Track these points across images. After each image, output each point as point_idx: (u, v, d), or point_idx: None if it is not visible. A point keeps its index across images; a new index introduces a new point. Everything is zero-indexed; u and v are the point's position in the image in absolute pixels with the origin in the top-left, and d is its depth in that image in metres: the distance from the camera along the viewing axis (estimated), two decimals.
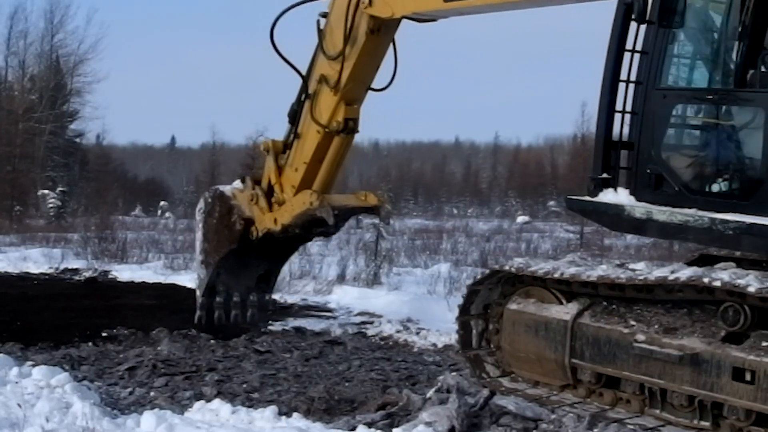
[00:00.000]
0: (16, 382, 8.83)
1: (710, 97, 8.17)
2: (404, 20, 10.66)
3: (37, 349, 11.74)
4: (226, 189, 12.71)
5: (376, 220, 12.12)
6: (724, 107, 8.10)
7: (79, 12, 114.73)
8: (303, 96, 11.67)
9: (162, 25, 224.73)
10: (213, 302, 12.73)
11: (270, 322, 14.31)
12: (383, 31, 10.83)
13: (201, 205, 12.90)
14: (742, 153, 7.99)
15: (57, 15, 63.63)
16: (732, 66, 8.08)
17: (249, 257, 12.71)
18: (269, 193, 12.22)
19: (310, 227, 12.00)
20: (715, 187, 7.95)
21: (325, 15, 11.34)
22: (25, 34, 64.65)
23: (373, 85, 11.48)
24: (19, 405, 7.70)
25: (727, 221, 7.52)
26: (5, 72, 66.18)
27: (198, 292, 12.79)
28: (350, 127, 11.40)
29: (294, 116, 11.87)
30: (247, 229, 12.27)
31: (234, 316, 12.81)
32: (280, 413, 8.35)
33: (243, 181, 12.65)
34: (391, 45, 11.18)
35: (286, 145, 12.14)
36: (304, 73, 11.66)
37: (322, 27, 11.32)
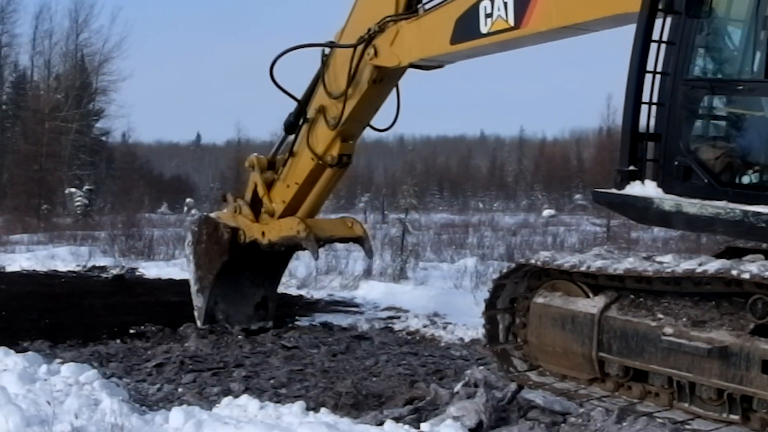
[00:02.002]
0: (45, 380, 8.87)
1: (739, 87, 8.09)
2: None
3: (66, 347, 11.83)
4: (211, 214, 13.31)
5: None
6: (753, 98, 8.01)
7: (104, 11, 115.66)
8: (301, 118, 11.89)
9: (186, 22, 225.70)
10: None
11: (297, 317, 14.37)
12: (386, 81, 11.16)
13: (189, 238, 13.34)
14: None
15: (82, 14, 64.09)
16: (761, 56, 7.99)
17: (243, 284, 13.08)
18: (254, 205, 12.66)
19: (295, 248, 12.63)
20: (745, 179, 7.85)
21: (332, 43, 11.56)
22: (50, 34, 65.20)
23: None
24: (49, 402, 7.74)
25: (760, 213, 7.43)
26: (31, 71, 66.82)
27: (199, 324, 12.97)
28: (344, 162, 11.83)
29: (290, 128, 12.15)
30: (234, 236, 12.62)
31: None
32: (308, 408, 8.34)
33: (224, 200, 13.22)
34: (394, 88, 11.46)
35: (271, 163, 12.61)
36: (303, 90, 11.95)
37: (326, 53, 11.49)
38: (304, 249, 12.42)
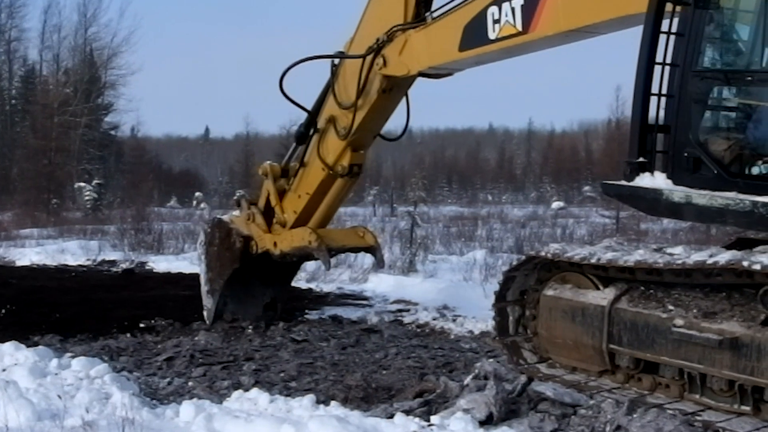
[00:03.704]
0: (56, 374, 8.91)
1: (749, 78, 8.06)
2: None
3: (76, 341, 11.86)
4: (224, 217, 13.29)
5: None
6: (763, 88, 7.98)
7: (112, 5, 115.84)
8: (312, 128, 11.91)
9: (195, 15, 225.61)
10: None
11: (306, 311, 14.38)
12: (395, 90, 11.19)
13: (201, 237, 13.41)
14: None
15: (90, 8, 64.26)
16: None
17: (253, 284, 13.06)
18: (267, 213, 12.65)
19: (307, 258, 12.68)
20: (755, 170, 7.81)
21: (341, 54, 11.57)
22: (59, 28, 65.41)
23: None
24: (60, 396, 7.76)
25: None
26: (40, 66, 67.02)
27: (207, 324, 12.96)
28: (355, 172, 11.86)
29: (301, 138, 12.20)
30: (246, 245, 12.65)
31: None
32: (318, 402, 8.35)
33: (239, 205, 13.16)
34: (404, 97, 11.47)
35: (284, 171, 12.61)
36: (314, 101, 11.98)
37: (336, 63, 11.51)
38: (315, 259, 12.50)
